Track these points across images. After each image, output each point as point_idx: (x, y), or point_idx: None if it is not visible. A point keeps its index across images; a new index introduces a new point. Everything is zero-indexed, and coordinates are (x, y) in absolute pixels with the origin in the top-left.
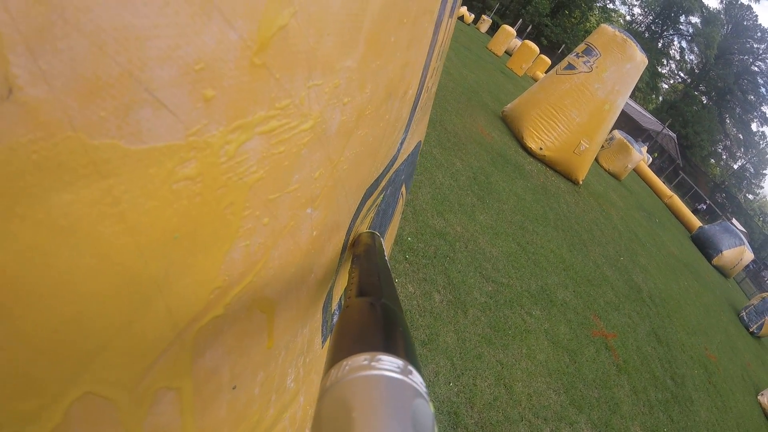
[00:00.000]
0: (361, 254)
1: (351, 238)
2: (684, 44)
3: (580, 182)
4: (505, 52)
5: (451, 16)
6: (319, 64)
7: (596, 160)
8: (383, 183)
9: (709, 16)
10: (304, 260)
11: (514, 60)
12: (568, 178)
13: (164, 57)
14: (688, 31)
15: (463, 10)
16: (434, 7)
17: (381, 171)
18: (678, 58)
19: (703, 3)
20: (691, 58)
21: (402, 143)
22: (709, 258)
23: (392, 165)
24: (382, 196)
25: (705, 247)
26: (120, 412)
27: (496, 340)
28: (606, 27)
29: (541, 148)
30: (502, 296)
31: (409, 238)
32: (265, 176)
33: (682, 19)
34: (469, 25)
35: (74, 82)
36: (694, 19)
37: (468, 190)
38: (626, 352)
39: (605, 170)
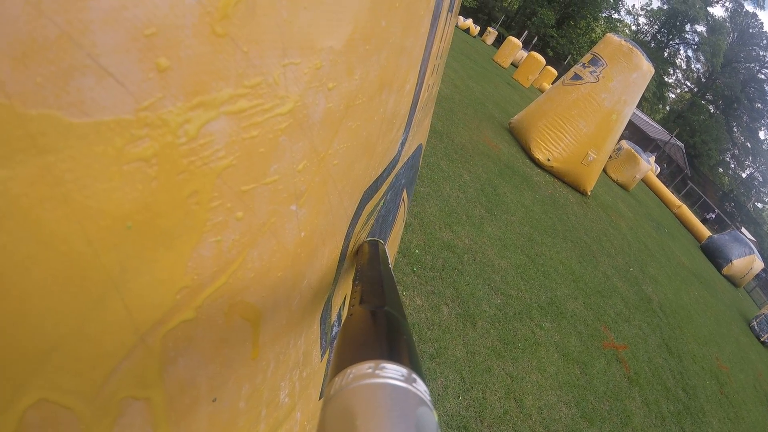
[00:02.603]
0: (364, 262)
1: (351, 246)
2: (690, 53)
3: (589, 193)
4: (511, 63)
5: (450, 10)
6: (295, 41)
7: (604, 170)
8: (384, 187)
9: (714, 24)
10: (294, 264)
11: (520, 71)
12: (576, 188)
13: (108, 19)
14: (693, 40)
15: (469, 22)
16: None
17: (380, 172)
18: (684, 67)
19: (708, 11)
20: (697, 66)
21: (403, 144)
22: (719, 267)
23: (393, 167)
24: (382, 201)
25: (715, 256)
26: (82, 422)
27: (505, 353)
28: (612, 36)
29: (548, 159)
30: (512, 308)
31: (417, 251)
32: (235, 163)
33: (688, 27)
34: (474, 37)
35: (6, 42)
36: (700, 28)
37: (476, 201)
38: (637, 363)
39: (613, 181)
